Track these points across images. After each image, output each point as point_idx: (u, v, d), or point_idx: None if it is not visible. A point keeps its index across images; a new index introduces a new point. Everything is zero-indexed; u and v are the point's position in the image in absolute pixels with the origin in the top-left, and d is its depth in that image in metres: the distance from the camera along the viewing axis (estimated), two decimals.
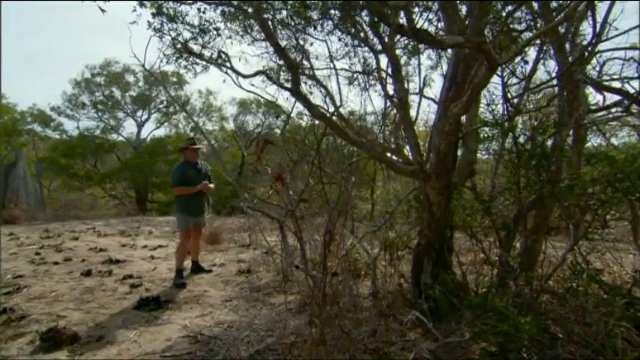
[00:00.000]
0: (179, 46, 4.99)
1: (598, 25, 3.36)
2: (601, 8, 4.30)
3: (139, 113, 19.28)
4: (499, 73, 3.27)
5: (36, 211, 12.63)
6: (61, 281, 4.40)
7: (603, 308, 2.05)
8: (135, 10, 4.36)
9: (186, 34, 4.91)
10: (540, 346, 1.89)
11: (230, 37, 5.24)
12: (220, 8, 4.74)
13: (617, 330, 1.88)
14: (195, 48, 5.04)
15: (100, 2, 3.23)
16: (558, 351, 1.92)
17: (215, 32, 4.95)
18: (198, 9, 4.66)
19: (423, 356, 2.32)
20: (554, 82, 3.73)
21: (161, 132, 20.22)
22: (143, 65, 4.28)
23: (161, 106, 19.43)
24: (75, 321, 3.16)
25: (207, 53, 5.10)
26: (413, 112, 5.00)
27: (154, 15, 4.58)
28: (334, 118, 4.18)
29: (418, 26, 2.74)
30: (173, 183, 4.50)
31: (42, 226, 9.39)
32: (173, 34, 4.82)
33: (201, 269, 4.83)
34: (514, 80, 4.20)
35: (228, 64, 5.05)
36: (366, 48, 5.03)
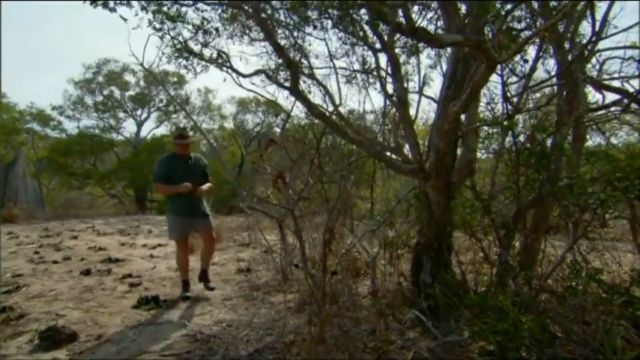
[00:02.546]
0: (179, 45, 4.98)
1: (598, 24, 3.36)
2: (601, 8, 4.29)
3: (138, 112, 19.28)
4: (498, 71, 3.26)
5: (35, 210, 12.61)
6: (61, 280, 4.40)
7: (602, 307, 2.05)
8: (137, 15, 4.36)
9: (186, 34, 4.92)
10: (539, 345, 1.89)
11: (231, 38, 5.24)
12: (219, 9, 4.73)
13: (616, 329, 1.88)
14: (195, 47, 5.04)
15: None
16: (557, 350, 1.92)
17: (215, 32, 4.94)
18: (197, 8, 4.66)
19: (422, 355, 2.32)
20: (554, 80, 3.73)
21: (162, 131, 20.21)
22: (142, 64, 4.28)
23: (161, 104, 19.43)
24: (74, 320, 3.16)
25: (207, 53, 5.11)
26: (412, 111, 4.98)
27: (154, 13, 4.57)
28: (334, 116, 4.17)
29: (417, 25, 2.74)
30: (153, 179, 3.88)
31: (41, 225, 9.38)
32: (173, 33, 4.82)
33: (206, 281, 4.09)
34: (514, 79, 4.19)
35: (227, 64, 5.06)
36: (365, 47, 5.02)
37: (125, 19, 3.70)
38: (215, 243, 4.23)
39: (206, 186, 3.91)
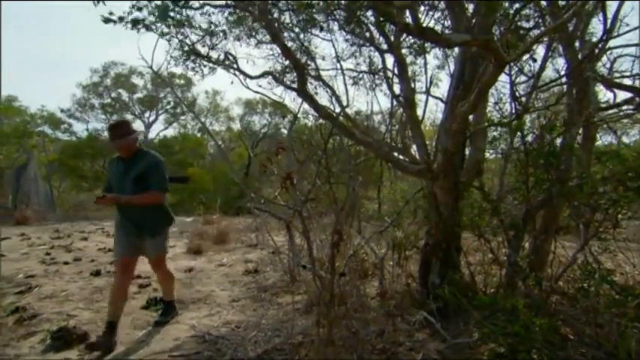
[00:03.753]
0: (186, 48, 5.03)
1: (608, 22, 3.31)
2: (611, 6, 4.23)
3: (146, 114, 19.50)
4: (507, 71, 3.24)
5: (46, 211, 12.80)
6: (71, 281, 4.46)
7: (615, 309, 2.02)
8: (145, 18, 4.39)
9: (194, 37, 4.96)
10: (551, 347, 1.86)
11: (239, 40, 5.27)
12: (226, 12, 4.76)
13: (630, 331, 1.85)
14: (203, 50, 5.08)
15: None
16: (569, 353, 1.90)
17: (222, 34, 4.98)
18: (204, 12, 4.69)
19: (431, 357, 2.30)
20: (563, 79, 3.69)
21: (170, 132, 20.42)
22: (151, 67, 4.32)
23: (168, 107, 19.64)
24: (85, 320, 3.20)
25: (214, 55, 5.14)
26: (420, 112, 4.95)
27: (162, 18, 4.61)
28: (341, 118, 4.17)
29: (424, 25, 2.73)
30: None
31: (52, 226, 9.53)
32: (180, 36, 4.86)
33: (169, 312, 3.23)
34: (522, 78, 4.15)
35: (235, 66, 5.09)
36: (372, 48, 5.01)
37: (138, 29, 3.78)
38: (163, 272, 3.19)
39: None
